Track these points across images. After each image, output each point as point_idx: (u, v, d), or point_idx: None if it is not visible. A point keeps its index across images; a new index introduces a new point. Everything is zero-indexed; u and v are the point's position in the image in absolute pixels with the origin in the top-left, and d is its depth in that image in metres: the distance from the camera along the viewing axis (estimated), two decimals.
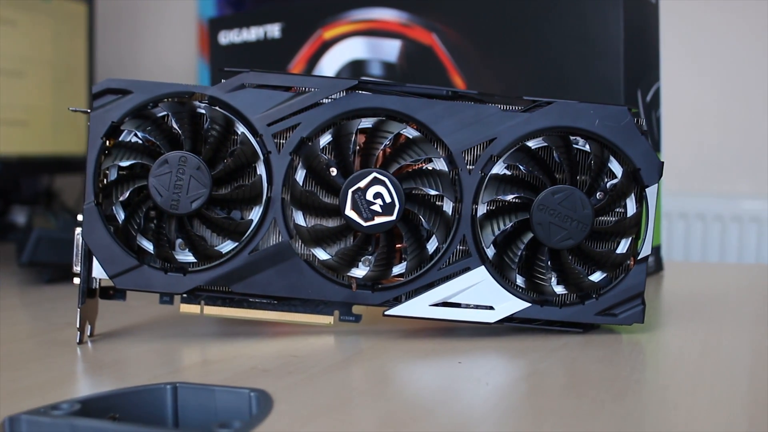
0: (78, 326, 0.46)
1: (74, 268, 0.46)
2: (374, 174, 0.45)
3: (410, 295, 0.47)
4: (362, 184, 0.45)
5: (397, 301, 0.47)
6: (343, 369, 0.42)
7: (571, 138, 0.47)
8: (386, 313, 0.47)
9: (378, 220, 0.46)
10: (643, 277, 0.47)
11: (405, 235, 0.46)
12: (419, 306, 0.47)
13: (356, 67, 0.75)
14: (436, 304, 0.47)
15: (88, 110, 0.46)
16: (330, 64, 0.76)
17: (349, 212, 0.46)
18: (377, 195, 0.46)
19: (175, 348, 0.47)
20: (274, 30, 0.79)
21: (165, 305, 0.49)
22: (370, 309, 0.48)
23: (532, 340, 0.47)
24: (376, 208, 0.45)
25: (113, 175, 0.46)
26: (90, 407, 0.35)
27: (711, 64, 1.35)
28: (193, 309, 0.48)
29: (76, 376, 0.42)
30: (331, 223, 0.47)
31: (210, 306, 0.48)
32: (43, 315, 0.56)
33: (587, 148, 0.47)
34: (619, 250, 0.47)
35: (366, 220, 0.46)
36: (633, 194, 0.47)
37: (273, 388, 0.37)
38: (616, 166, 0.47)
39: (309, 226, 0.47)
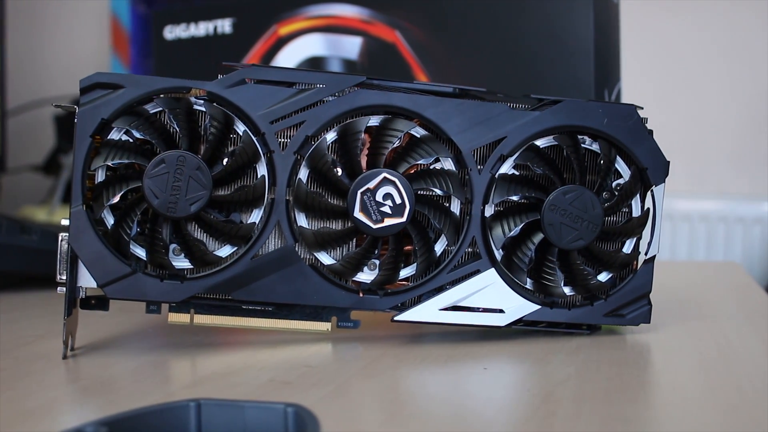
0: (63, 340, 0.42)
1: (58, 276, 0.43)
2: (384, 174, 0.44)
3: (419, 300, 0.45)
4: (371, 184, 0.43)
5: (405, 306, 0.45)
6: (368, 379, 0.40)
7: (579, 137, 0.46)
8: (395, 318, 0.45)
9: (388, 222, 0.44)
10: (650, 277, 0.47)
11: (414, 237, 0.45)
12: (429, 311, 0.45)
13: (315, 64, 0.73)
14: (446, 309, 0.45)
15: (75, 107, 0.42)
16: (286, 60, 0.73)
17: (358, 214, 0.44)
18: (387, 196, 0.44)
19: (171, 361, 0.43)
20: (224, 25, 0.76)
21: (131, 313, 0.45)
22: (364, 314, 0.46)
23: (543, 343, 0.46)
24: (386, 209, 0.44)
25: (101, 176, 0.43)
26: (114, 429, 0.32)
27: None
28: (182, 318, 0.45)
29: (77, 395, 0.38)
30: (334, 225, 0.45)
31: (201, 315, 0.45)
32: (3, 327, 0.52)
33: (594, 147, 0.46)
34: (624, 250, 0.47)
35: (375, 223, 0.44)
36: (639, 194, 0.47)
37: (305, 403, 0.34)
38: (622, 166, 0.47)
39: (313, 229, 0.44)
